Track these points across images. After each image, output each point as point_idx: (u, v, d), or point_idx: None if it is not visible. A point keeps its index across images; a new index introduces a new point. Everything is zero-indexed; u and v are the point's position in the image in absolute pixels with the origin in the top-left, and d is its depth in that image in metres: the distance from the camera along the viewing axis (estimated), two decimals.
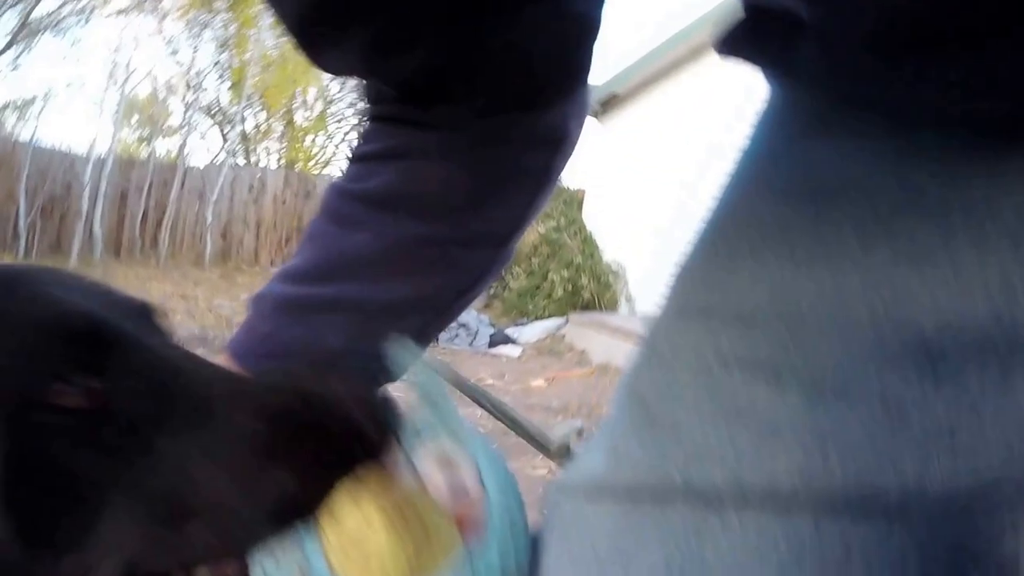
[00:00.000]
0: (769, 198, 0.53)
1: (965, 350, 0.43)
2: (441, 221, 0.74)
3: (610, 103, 10.93)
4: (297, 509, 0.49)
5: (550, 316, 9.19)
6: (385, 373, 0.69)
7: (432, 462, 0.56)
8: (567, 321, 8.67)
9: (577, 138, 0.78)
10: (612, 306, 9.43)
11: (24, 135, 12.47)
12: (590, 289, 9.30)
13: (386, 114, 0.74)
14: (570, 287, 9.34)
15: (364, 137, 0.77)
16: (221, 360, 0.70)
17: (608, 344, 7.13)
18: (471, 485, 0.55)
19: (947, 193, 0.45)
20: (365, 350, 0.73)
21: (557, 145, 0.76)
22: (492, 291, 11.42)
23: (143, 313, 0.60)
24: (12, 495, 0.47)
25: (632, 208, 9.42)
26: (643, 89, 10.13)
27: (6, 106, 13.62)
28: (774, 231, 0.51)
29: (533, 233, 10.62)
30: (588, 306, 9.23)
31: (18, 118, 13.79)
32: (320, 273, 0.75)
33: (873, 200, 0.47)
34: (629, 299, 9.50)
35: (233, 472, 0.50)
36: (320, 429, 0.50)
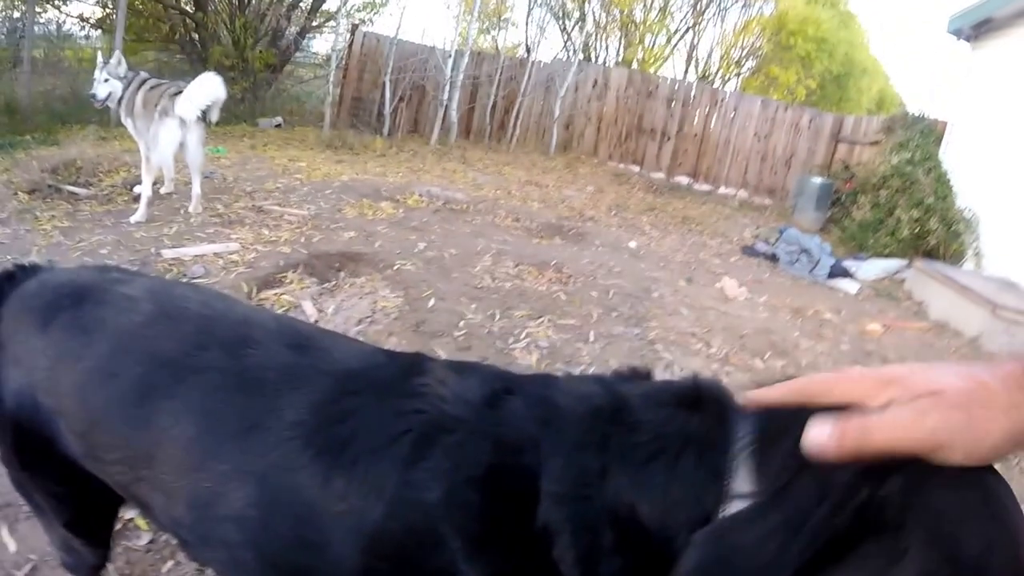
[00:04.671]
0: None
1: None
2: None
3: (985, 27, 9.60)
4: None
5: (890, 255, 8.67)
6: None
7: None
8: (909, 265, 8.13)
9: None
10: (958, 258, 8.65)
11: (387, 31, 13.70)
12: (937, 235, 8.59)
13: None
14: (916, 229, 8.70)
15: None
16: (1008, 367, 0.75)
17: (950, 301, 6.69)
18: None
19: None
20: None
21: None
22: (831, 215, 10.89)
23: None
24: None
25: (998, 151, 8.50)
26: None
27: (365, 5, 15.01)
28: None
29: (885, 163, 9.97)
30: (932, 253, 8.57)
31: (375, 15, 15.24)
32: None
33: None
34: (977, 254, 8.62)
35: None
36: None
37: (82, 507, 1.50)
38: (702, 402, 0.91)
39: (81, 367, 1.27)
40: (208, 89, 5.68)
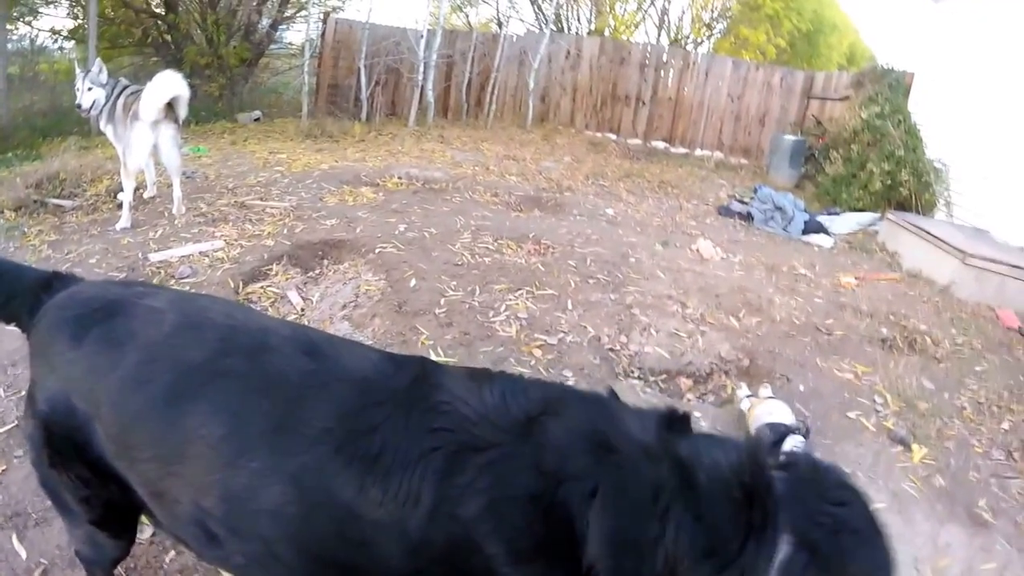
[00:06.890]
0: None
1: None
2: None
3: None
4: None
5: (863, 209, 8.83)
6: None
7: None
8: (882, 218, 8.26)
9: None
10: (930, 208, 8.75)
11: (359, 16, 13.57)
12: (909, 186, 8.67)
13: None
14: (888, 181, 8.80)
15: None
16: None
17: (923, 251, 6.85)
18: None
19: None
20: None
21: None
22: (805, 172, 11.01)
23: None
24: None
25: (965, 101, 8.62)
26: None
27: None
28: None
29: (856, 118, 10.09)
30: (904, 204, 8.67)
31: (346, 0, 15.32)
32: None
33: None
34: (948, 204, 8.73)
35: None
36: None
37: (111, 504, 1.63)
38: (766, 517, 1.04)
39: (116, 376, 1.42)
40: (164, 87, 5.71)
